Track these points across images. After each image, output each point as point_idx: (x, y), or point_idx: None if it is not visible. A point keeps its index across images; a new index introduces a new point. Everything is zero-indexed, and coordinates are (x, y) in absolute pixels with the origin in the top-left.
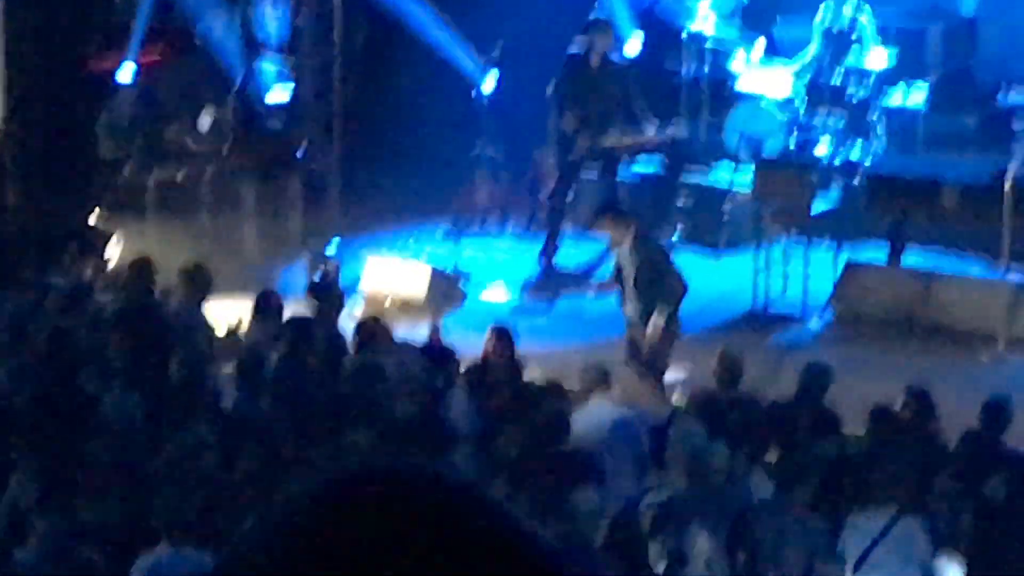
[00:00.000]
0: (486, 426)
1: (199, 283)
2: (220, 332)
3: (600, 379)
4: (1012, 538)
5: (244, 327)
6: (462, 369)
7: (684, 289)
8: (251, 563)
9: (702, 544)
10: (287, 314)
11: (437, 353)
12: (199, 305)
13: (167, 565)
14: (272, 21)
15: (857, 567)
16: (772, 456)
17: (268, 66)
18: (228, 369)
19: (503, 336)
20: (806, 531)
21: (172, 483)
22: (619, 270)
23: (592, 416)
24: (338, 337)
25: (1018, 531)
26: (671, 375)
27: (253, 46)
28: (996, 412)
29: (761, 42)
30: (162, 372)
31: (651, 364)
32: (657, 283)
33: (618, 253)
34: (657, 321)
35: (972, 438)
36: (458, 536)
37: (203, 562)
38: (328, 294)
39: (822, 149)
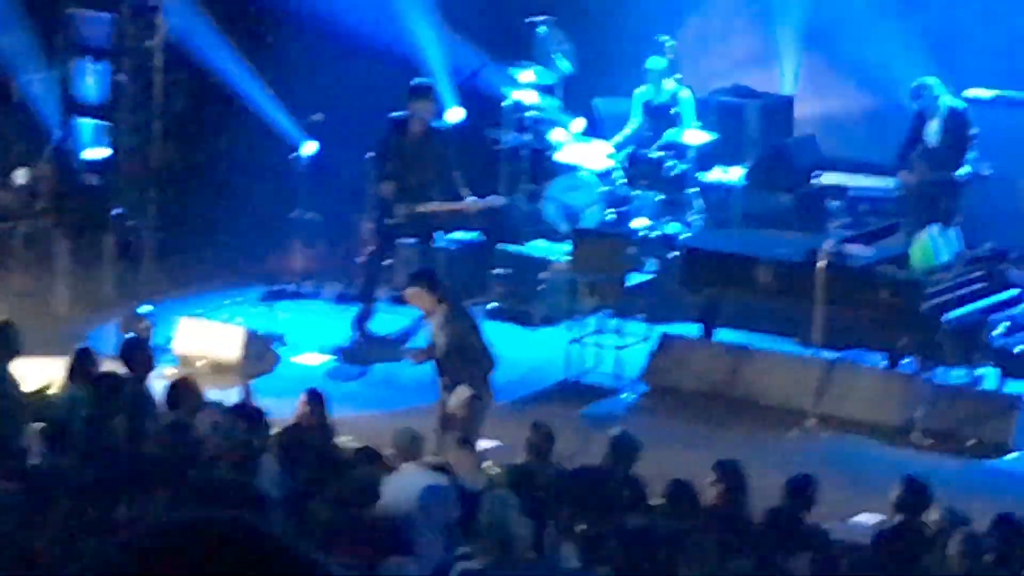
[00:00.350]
0: (296, 490)
1: (7, 341)
2: (29, 390)
3: (412, 446)
4: None
5: (54, 385)
6: (273, 431)
7: (492, 364)
8: None
9: None
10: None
11: (249, 414)
12: (6, 363)
13: None
14: (91, 78)
15: None
16: (580, 527)
17: (86, 123)
18: (37, 427)
19: (316, 400)
20: None
21: None
22: (432, 340)
23: (403, 482)
24: (148, 397)
25: None
26: (485, 444)
27: (71, 103)
28: (799, 490)
29: (581, 120)
30: None
31: (462, 434)
32: (465, 356)
33: (431, 323)
34: (462, 393)
35: (776, 515)
36: None
37: None
38: (139, 354)
39: (639, 222)
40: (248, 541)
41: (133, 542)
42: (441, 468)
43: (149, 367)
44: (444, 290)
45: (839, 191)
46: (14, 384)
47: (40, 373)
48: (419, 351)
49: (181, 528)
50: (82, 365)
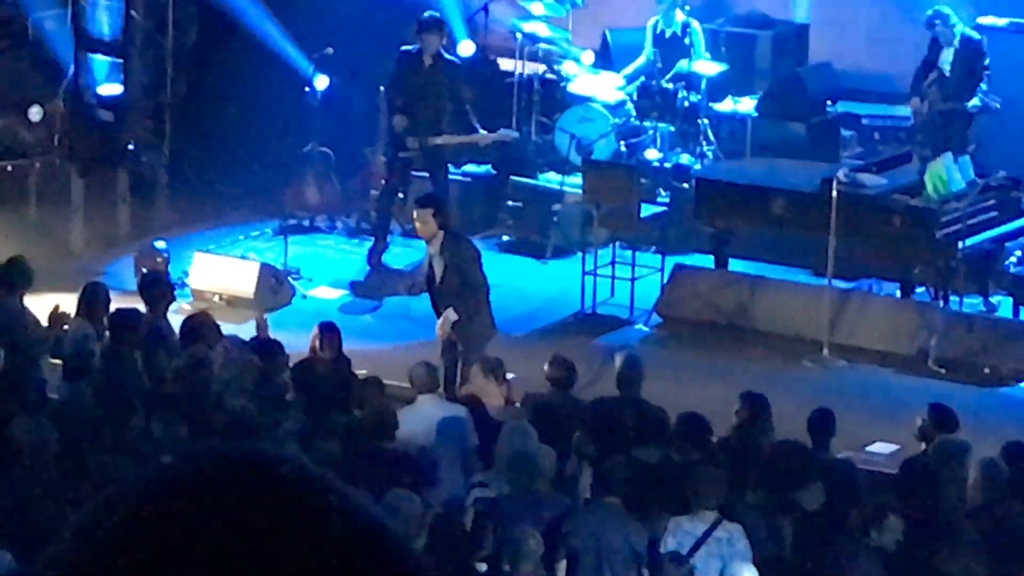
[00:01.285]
0: (311, 422)
1: (20, 275)
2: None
3: (428, 378)
4: (828, 546)
5: (69, 319)
6: (289, 364)
7: (487, 295)
8: (96, 549)
9: (534, 544)
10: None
11: (266, 347)
12: (20, 296)
13: None
14: (104, 14)
15: None
16: (593, 458)
17: (100, 59)
18: (52, 361)
19: (330, 332)
20: (624, 533)
21: None
22: (429, 268)
23: (419, 415)
24: (166, 331)
25: (835, 539)
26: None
27: (85, 39)
28: (820, 424)
29: (589, 53)
30: None
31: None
32: (464, 285)
33: (430, 250)
34: (447, 317)
35: (787, 447)
36: (302, 515)
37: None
38: (157, 289)
39: (652, 153)
40: (273, 472)
41: (157, 474)
42: (457, 400)
43: (169, 301)
44: (447, 219)
45: (852, 120)
46: (30, 317)
47: (56, 307)
48: (412, 281)
49: (203, 459)
50: (90, 300)
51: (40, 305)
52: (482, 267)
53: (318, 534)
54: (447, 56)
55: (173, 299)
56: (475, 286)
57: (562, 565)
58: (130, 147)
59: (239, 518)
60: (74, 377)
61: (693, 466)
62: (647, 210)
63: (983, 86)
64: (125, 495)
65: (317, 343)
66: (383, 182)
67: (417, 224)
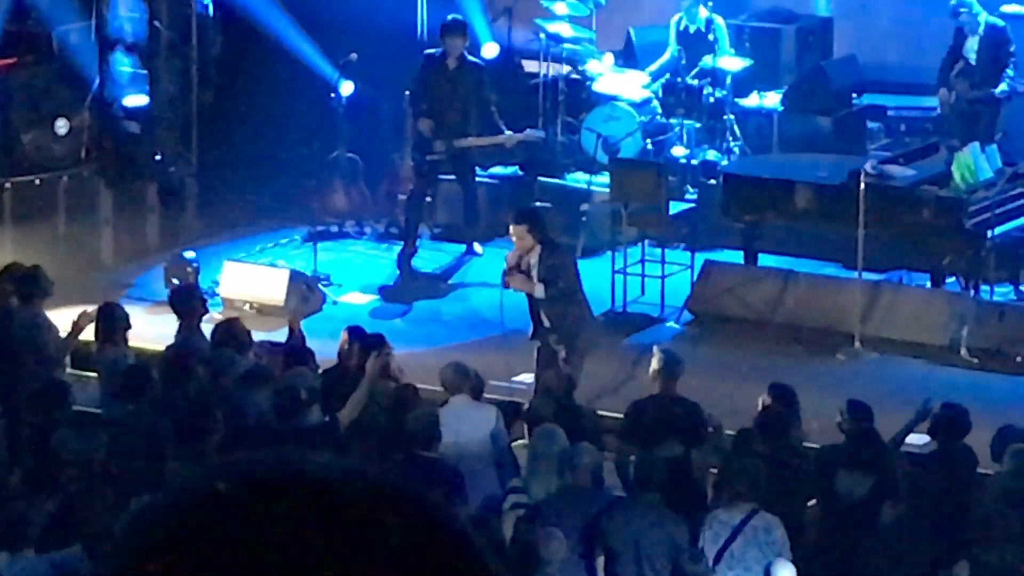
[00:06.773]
0: (342, 428)
1: (36, 284)
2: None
3: (458, 378)
4: (864, 538)
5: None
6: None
7: (587, 302)
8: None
9: (557, 546)
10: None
11: (298, 353)
12: (38, 306)
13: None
14: (128, 25)
15: (717, 560)
16: (630, 455)
17: (124, 67)
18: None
19: (357, 337)
20: (664, 529)
21: (30, 491)
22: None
23: (450, 415)
24: (202, 343)
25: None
26: (526, 378)
27: (108, 44)
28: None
29: (610, 56)
30: (13, 380)
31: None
32: (565, 294)
33: (529, 260)
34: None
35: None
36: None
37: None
38: (189, 299)
39: (679, 150)
40: (319, 479)
41: (192, 487)
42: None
43: (202, 313)
44: (543, 231)
45: (879, 112)
46: (50, 329)
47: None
48: (514, 275)
49: (244, 469)
50: (108, 320)
51: (67, 318)
52: (579, 275)
53: (383, 539)
54: (471, 59)
55: (206, 311)
56: (580, 292)
57: (600, 562)
58: (157, 158)
59: (282, 529)
60: (132, 397)
61: (729, 459)
62: (675, 207)
63: (1009, 72)
64: (163, 507)
65: (345, 348)
66: (411, 186)
67: (514, 240)
